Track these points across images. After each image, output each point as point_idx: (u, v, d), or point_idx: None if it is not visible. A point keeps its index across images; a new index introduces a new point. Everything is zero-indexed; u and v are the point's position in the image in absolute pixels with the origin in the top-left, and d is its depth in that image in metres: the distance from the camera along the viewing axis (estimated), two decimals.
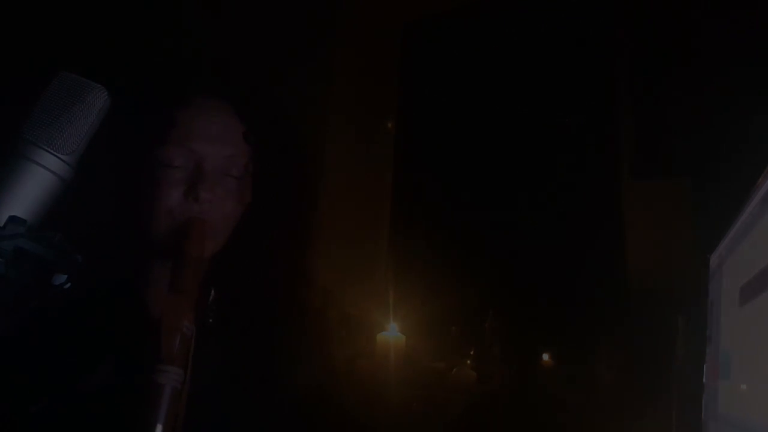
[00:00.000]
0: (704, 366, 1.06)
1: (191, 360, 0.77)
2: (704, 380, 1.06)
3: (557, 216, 2.90)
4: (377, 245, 3.36)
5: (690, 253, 2.08)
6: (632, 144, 2.77)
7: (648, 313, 2.17)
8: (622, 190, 2.78)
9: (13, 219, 0.67)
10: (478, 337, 2.89)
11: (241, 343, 0.93)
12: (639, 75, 2.74)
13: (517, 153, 3.11)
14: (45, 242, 0.67)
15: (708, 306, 1.06)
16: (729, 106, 1.99)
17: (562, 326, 2.75)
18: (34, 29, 2.05)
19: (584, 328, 2.64)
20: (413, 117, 3.44)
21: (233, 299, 0.94)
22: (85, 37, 2.03)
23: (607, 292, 2.66)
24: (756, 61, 1.89)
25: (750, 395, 0.74)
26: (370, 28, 3.37)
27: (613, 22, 2.87)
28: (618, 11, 2.82)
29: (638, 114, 2.76)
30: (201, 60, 0.99)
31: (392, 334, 2.55)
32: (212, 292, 0.92)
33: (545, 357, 2.87)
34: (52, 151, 0.71)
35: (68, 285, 0.71)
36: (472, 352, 2.92)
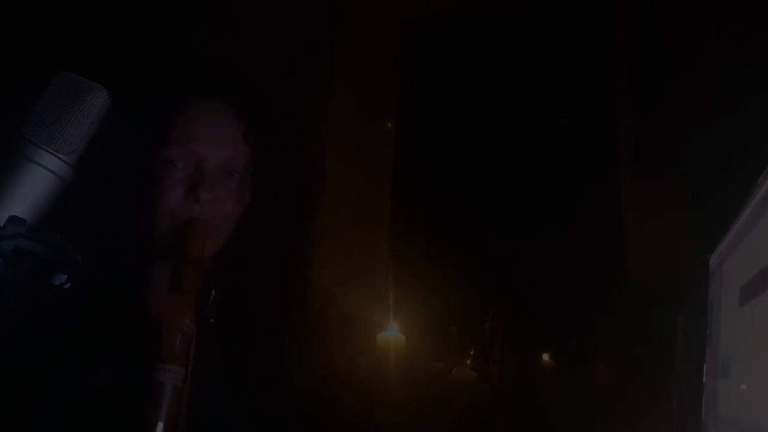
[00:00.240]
0: (704, 366, 1.06)
1: (192, 359, 0.77)
2: (704, 380, 1.06)
3: (557, 216, 2.90)
4: (377, 245, 3.36)
5: (690, 253, 2.08)
6: (632, 144, 2.77)
7: (648, 313, 2.17)
8: (622, 191, 2.78)
9: (13, 219, 0.67)
10: (478, 337, 2.89)
11: (241, 343, 0.93)
12: (639, 75, 2.74)
13: (517, 153, 3.11)
14: (45, 242, 0.67)
15: (708, 306, 1.06)
16: (729, 107, 1.99)
17: (562, 326, 2.75)
18: (35, 29, 2.05)
19: (584, 328, 2.64)
20: (413, 117, 3.44)
21: (234, 299, 0.94)
22: (86, 39, 2.03)
23: (607, 292, 2.66)
24: (756, 62, 1.89)
25: (750, 395, 0.74)
26: (370, 29, 3.37)
27: (613, 22, 2.87)
28: (618, 11, 2.82)
29: (638, 114, 2.76)
30: (201, 62, 0.99)
31: (392, 334, 2.55)
32: (213, 292, 0.92)
33: (545, 357, 2.87)
34: (52, 151, 0.71)
35: (68, 285, 0.71)
36: (472, 352, 2.92)
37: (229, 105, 0.92)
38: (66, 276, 0.70)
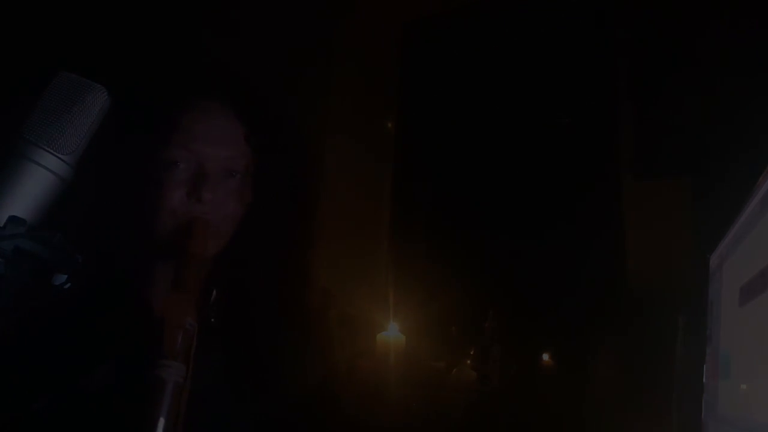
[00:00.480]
0: (704, 366, 1.06)
1: (193, 357, 0.77)
2: (704, 380, 1.06)
3: (557, 216, 2.90)
4: (377, 245, 3.36)
5: (690, 253, 2.08)
6: (632, 144, 2.77)
7: (648, 313, 2.17)
8: (622, 190, 2.78)
9: (13, 219, 0.67)
10: (478, 337, 2.89)
11: (241, 343, 0.93)
12: (639, 75, 2.74)
13: (517, 153, 3.11)
14: (45, 242, 0.67)
15: (708, 306, 1.06)
16: (729, 107, 1.99)
17: (562, 326, 2.75)
18: (36, 30, 2.05)
19: (584, 328, 2.64)
20: (413, 117, 3.44)
21: (234, 299, 0.94)
22: (90, 41, 2.03)
23: (607, 292, 2.66)
24: (756, 62, 1.89)
25: (750, 395, 0.74)
26: (369, 29, 3.37)
27: (613, 23, 2.87)
28: (618, 12, 2.82)
29: (639, 114, 2.76)
30: (203, 63, 0.99)
31: (392, 334, 2.55)
32: (214, 292, 0.93)
33: (545, 357, 2.87)
34: (52, 151, 0.71)
35: (68, 285, 0.71)
36: (472, 352, 2.92)
37: (231, 106, 0.92)
38: (66, 276, 0.70)
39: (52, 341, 0.83)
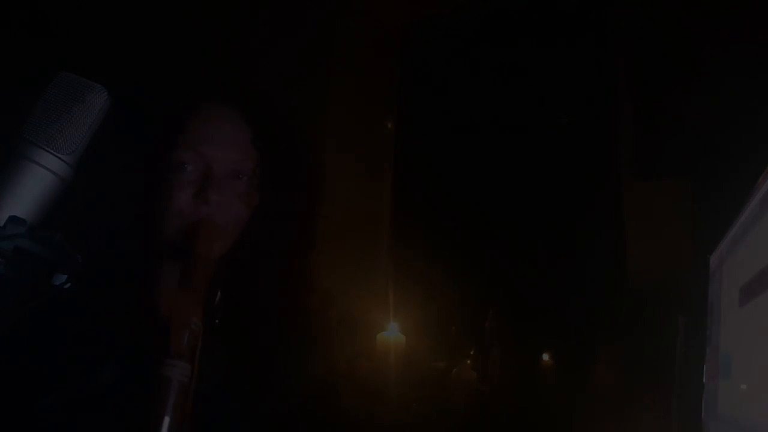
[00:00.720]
0: (704, 366, 1.06)
1: (198, 357, 0.77)
2: (704, 380, 1.06)
3: (557, 216, 2.90)
4: (377, 246, 3.36)
5: (690, 254, 2.08)
6: (633, 145, 2.77)
7: (648, 313, 2.17)
8: (622, 190, 2.78)
9: (13, 219, 0.67)
10: (478, 337, 2.89)
11: (244, 344, 0.94)
12: (639, 76, 2.74)
13: (517, 153, 3.11)
14: (45, 242, 0.67)
15: (708, 306, 1.06)
16: (729, 107, 1.99)
17: (562, 326, 2.75)
18: (38, 30, 2.05)
19: (584, 328, 2.64)
20: (413, 117, 3.44)
21: (238, 301, 0.95)
22: (100, 44, 2.03)
23: (607, 292, 2.67)
24: (756, 63, 1.89)
25: (750, 395, 0.74)
26: (369, 29, 3.37)
27: (613, 23, 2.87)
28: (619, 12, 2.82)
29: (639, 115, 2.76)
30: (211, 67, 1.01)
31: (392, 334, 2.55)
32: (218, 293, 0.93)
33: (545, 357, 2.87)
34: (52, 151, 0.70)
35: (68, 285, 0.71)
36: (472, 352, 2.92)
37: (238, 109, 0.93)
38: (66, 276, 0.70)
39: (52, 341, 0.83)
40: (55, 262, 0.69)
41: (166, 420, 0.70)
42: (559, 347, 2.85)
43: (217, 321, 0.91)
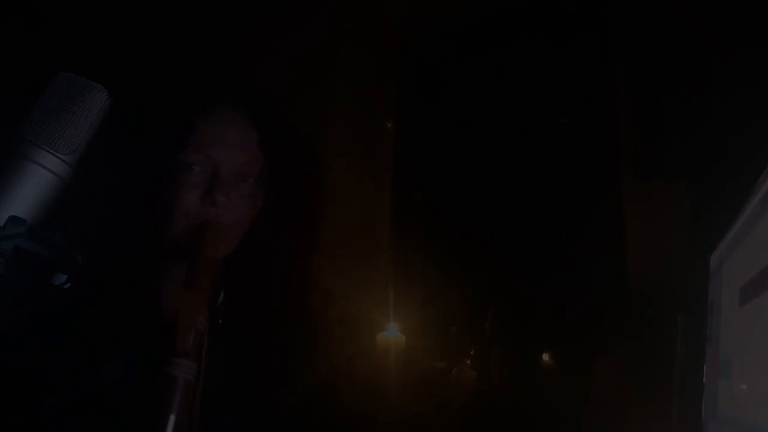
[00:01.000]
0: (704, 366, 1.06)
1: (204, 356, 0.78)
2: (704, 380, 1.06)
3: (557, 216, 2.90)
4: (377, 246, 3.36)
5: (690, 254, 2.08)
6: (632, 144, 2.77)
7: (648, 313, 2.17)
8: (622, 190, 2.78)
9: (13, 219, 0.67)
10: (478, 337, 2.89)
11: (247, 344, 0.94)
12: (639, 75, 2.74)
13: (518, 153, 3.11)
14: (45, 242, 0.67)
15: (708, 306, 1.06)
16: (729, 107, 1.99)
17: (562, 326, 2.75)
18: (38, 30, 2.06)
19: (584, 328, 2.64)
20: (413, 117, 3.44)
21: (242, 301, 0.95)
22: (109, 46, 2.04)
23: (607, 292, 2.66)
24: (756, 63, 1.89)
25: (750, 395, 0.74)
26: (370, 30, 3.37)
27: (613, 23, 2.87)
28: (619, 13, 2.82)
29: (639, 114, 2.76)
30: (219, 71, 1.03)
31: (392, 334, 2.55)
32: (222, 294, 0.94)
33: (545, 357, 2.87)
34: (52, 151, 0.70)
35: (68, 285, 0.71)
36: (472, 352, 2.92)
37: (245, 112, 0.95)
38: (66, 276, 0.70)
39: (52, 341, 0.84)
40: (55, 262, 0.69)
41: (172, 418, 0.70)
42: (559, 347, 2.85)
43: (220, 322, 0.92)
